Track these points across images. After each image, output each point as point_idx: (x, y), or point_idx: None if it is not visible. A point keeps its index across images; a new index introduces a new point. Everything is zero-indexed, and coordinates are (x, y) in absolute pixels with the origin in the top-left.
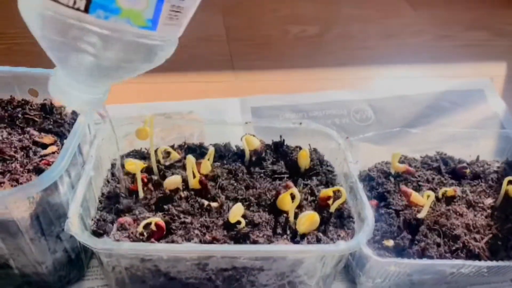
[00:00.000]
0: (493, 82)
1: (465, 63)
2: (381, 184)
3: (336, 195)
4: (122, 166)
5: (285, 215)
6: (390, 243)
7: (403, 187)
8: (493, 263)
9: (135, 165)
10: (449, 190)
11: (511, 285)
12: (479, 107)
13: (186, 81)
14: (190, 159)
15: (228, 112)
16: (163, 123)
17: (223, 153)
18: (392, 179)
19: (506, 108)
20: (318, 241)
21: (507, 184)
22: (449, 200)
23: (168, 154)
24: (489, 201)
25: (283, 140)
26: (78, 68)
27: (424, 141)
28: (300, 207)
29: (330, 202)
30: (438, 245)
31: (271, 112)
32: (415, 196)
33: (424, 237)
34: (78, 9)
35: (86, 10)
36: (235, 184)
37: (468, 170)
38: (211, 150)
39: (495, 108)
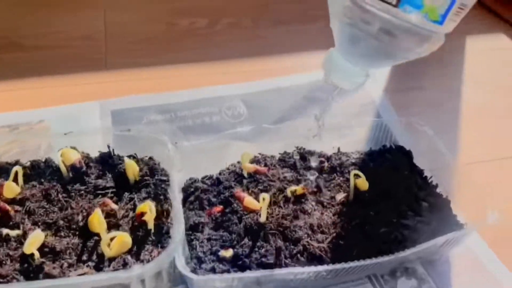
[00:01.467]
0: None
1: None
2: (229, 188)
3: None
4: None
5: (97, 237)
6: (228, 253)
7: (237, 192)
8: (329, 266)
9: None
10: (298, 189)
11: (368, 282)
12: (357, 94)
13: (44, 86)
14: None
15: (86, 118)
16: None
17: (41, 170)
18: (244, 181)
19: (383, 95)
20: (125, 265)
21: (355, 178)
22: (299, 199)
23: None
24: (340, 196)
25: (113, 150)
26: (361, 52)
27: (297, 134)
28: (118, 226)
29: (147, 218)
30: (279, 250)
31: (135, 114)
32: (248, 201)
33: (265, 242)
34: (390, 3)
35: (397, 4)
36: (47, 206)
37: (326, 164)
38: (15, 170)
39: (372, 95)
